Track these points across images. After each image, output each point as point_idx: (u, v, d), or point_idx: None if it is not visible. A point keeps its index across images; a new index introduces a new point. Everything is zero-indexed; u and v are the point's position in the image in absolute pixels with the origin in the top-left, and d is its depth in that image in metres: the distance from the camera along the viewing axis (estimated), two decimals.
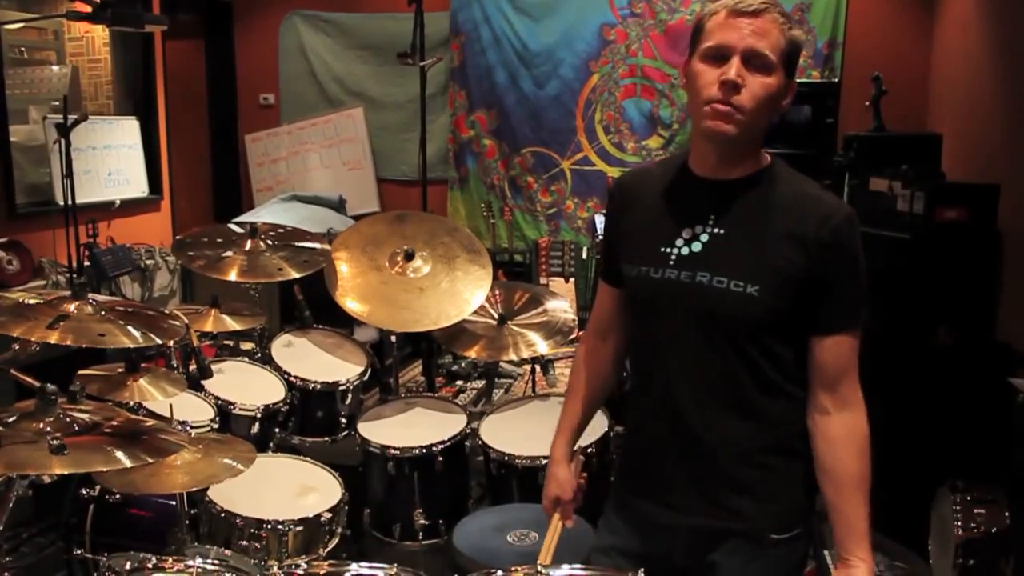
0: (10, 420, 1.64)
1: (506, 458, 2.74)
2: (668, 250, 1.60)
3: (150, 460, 1.65)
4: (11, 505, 1.80)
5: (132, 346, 2.02)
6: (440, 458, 2.77)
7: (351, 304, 3.08)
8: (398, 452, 2.77)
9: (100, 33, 5.90)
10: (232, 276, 3.07)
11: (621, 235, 1.72)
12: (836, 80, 5.77)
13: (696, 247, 1.58)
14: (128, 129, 6.06)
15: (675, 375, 1.61)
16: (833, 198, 1.58)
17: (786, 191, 1.57)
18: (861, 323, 1.57)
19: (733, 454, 1.59)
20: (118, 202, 5.82)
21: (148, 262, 5.60)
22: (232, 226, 3.39)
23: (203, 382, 2.72)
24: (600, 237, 4.72)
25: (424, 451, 2.76)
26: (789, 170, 1.62)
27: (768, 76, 1.49)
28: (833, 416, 1.56)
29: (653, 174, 1.72)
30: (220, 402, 2.87)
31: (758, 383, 1.57)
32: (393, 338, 3.39)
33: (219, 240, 3.25)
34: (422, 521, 2.76)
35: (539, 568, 1.68)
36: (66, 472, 1.55)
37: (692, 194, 1.61)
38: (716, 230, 1.57)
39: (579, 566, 1.72)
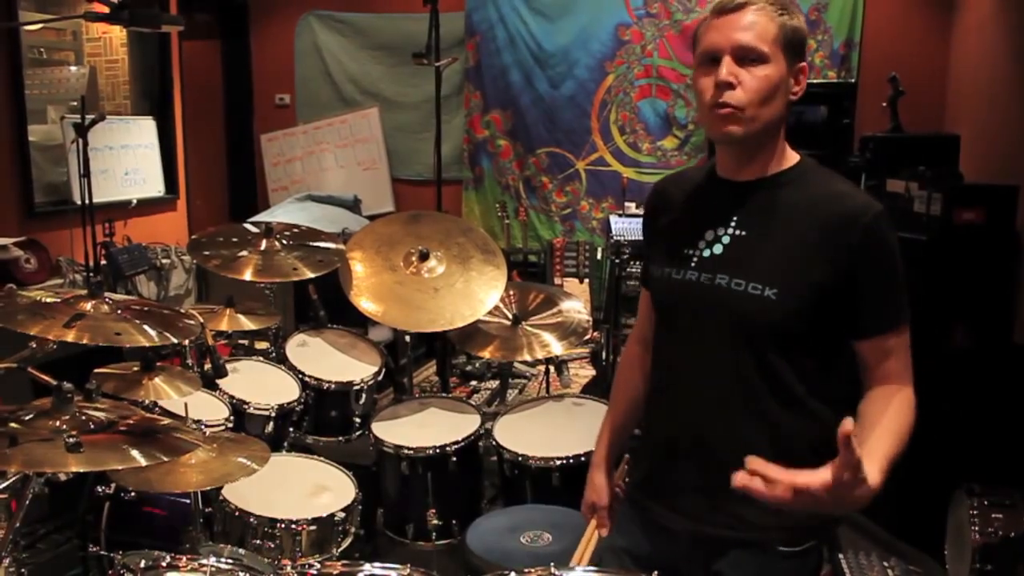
0: (27, 418, 1.64)
1: (520, 459, 2.73)
2: (691, 252, 1.59)
3: (165, 459, 1.65)
4: (28, 502, 1.81)
5: (148, 345, 2.02)
6: (454, 458, 2.77)
7: (365, 304, 3.08)
8: (412, 452, 2.77)
9: (117, 34, 5.94)
10: (247, 275, 3.08)
11: (654, 238, 1.72)
12: (853, 80, 5.74)
13: (717, 249, 1.56)
14: (145, 129, 6.10)
15: (691, 378, 1.59)
16: (863, 195, 1.53)
17: (813, 191, 1.52)
18: (904, 322, 1.51)
19: (743, 462, 1.54)
20: (135, 201, 5.87)
21: (164, 261, 5.63)
22: (247, 226, 3.39)
23: (218, 381, 2.74)
24: (615, 238, 4.72)
25: (438, 451, 2.76)
26: (819, 168, 1.58)
27: (763, 67, 1.46)
28: (869, 390, 1.52)
29: (687, 178, 1.71)
30: (235, 401, 2.88)
31: (774, 392, 1.52)
32: (407, 338, 3.39)
33: (234, 240, 3.26)
34: (435, 521, 2.75)
35: (552, 569, 1.67)
36: (82, 470, 1.55)
37: (716, 196, 1.60)
38: (738, 232, 1.55)
39: (591, 568, 1.72)
